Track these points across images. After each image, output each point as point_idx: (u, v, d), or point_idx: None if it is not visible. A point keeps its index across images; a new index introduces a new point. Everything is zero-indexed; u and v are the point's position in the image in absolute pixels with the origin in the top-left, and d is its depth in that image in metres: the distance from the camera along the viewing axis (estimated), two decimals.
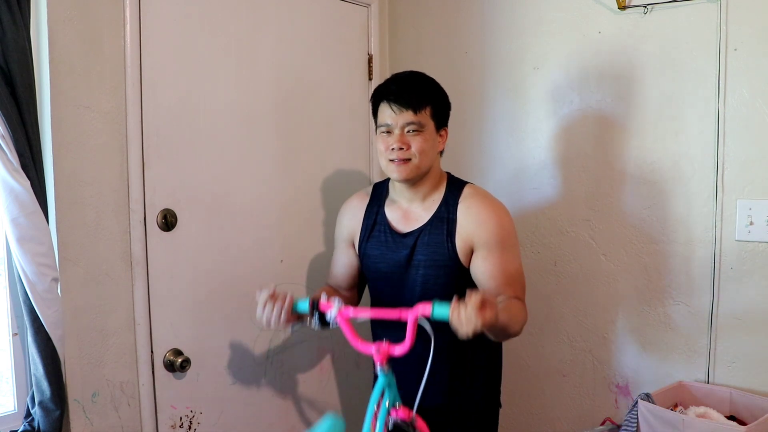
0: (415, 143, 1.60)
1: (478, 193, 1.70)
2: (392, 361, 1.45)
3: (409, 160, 1.60)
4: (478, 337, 1.66)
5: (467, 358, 1.71)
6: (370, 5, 2.41)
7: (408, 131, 1.60)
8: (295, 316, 1.57)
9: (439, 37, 2.38)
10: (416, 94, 1.61)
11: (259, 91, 2.05)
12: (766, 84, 1.72)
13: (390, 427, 1.44)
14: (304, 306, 1.53)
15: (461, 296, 1.64)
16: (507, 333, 1.54)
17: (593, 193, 2.05)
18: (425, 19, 2.41)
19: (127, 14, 1.72)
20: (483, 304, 1.31)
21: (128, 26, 1.72)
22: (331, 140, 2.29)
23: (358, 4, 2.38)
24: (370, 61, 2.42)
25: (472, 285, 1.66)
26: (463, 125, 2.28)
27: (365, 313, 1.50)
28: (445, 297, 1.63)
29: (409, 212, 1.71)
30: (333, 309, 1.48)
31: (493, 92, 2.25)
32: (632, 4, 1.92)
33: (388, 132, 1.62)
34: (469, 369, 1.73)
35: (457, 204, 1.66)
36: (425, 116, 1.61)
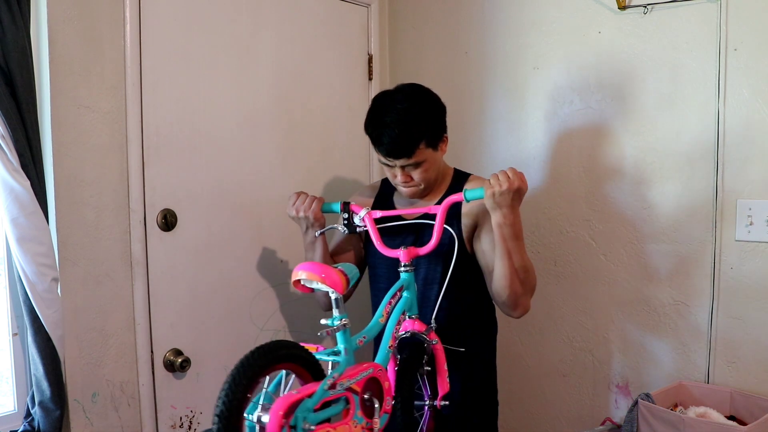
0: (417, 175, 1.66)
1: (481, 177, 1.78)
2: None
3: (416, 185, 1.68)
4: (472, 321, 1.72)
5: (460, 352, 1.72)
6: (370, 5, 2.41)
7: (407, 168, 1.65)
8: (323, 219, 1.73)
9: (439, 37, 2.38)
10: (406, 142, 1.59)
11: (259, 91, 2.05)
12: (766, 84, 1.72)
13: (406, 335, 1.49)
14: (336, 206, 1.69)
15: (462, 285, 1.69)
16: (527, 277, 1.62)
17: (593, 193, 2.05)
18: (425, 19, 2.41)
19: (127, 14, 1.72)
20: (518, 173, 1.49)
21: (128, 26, 1.72)
22: (331, 140, 2.29)
23: (358, 4, 2.38)
24: (370, 61, 2.42)
25: (476, 275, 1.69)
26: (463, 125, 2.28)
27: (393, 212, 1.66)
28: (448, 282, 1.65)
29: (416, 203, 1.76)
30: (362, 212, 1.63)
31: (493, 92, 2.25)
32: (632, 4, 1.92)
33: (391, 166, 1.67)
34: (464, 359, 1.72)
35: (462, 188, 1.68)
36: (421, 151, 1.62)
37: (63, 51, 1.60)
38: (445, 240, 1.64)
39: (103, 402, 1.72)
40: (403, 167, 1.64)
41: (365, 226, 1.63)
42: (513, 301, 1.63)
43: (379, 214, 1.64)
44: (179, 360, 1.84)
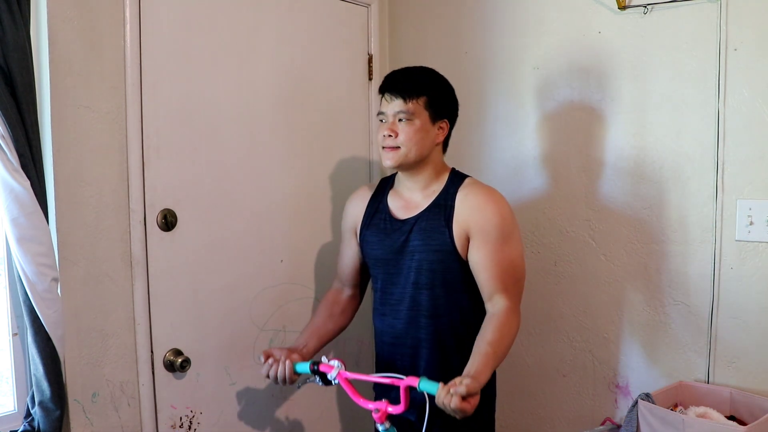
0: (404, 132, 1.63)
1: (478, 184, 1.73)
2: (391, 418, 1.51)
3: (398, 148, 1.65)
4: (470, 327, 1.68)
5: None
6: (370, 5, 2.41)
7: (399, 119, 1.64)
8: (297, 377, 1.66)
9: (439, 37, 2.38)
10: (409, 83, 1.64)
11: (259, 91, 2.05)
12: (766, 84, 1.72)
13: None
14: (304, 368, 1.63)
15: (458, 290, 1.67)
16: (510, 345, 1.61)
17: (593, 193, 2.05)
18: (425, 19, 2.41)
19: (127, 14, 1.72)
20: (466, 398, 1.35)
21: (128, 26, 1.72)
22: (331, 140, 2.29)
23: (358, 4, 2.38)
24: (370, 61, 2.42)
25: (469, 278, 1.67)
26: (463, 125, 2.26)
27: (363, 377, 1.57)
28: (438, 285, 1.66)
29: (410, 201, 1.74)
30: (333, 372, 1.57)
31: (493, 92, 2.25)
32: (632, 4, 1.92)
33: (384, 121, 1.67)
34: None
35: (456, 193, 1.68)
36: (418, 105, 1.63)
37: (63, 51, 1.60)
38: (437, 244, 1.64)
39: (103, 402, 1.72)
40: (395, 117, 1.63)
41: (338, 382, 1.58)
42: None
43: (349, 375, 1.56)
44: (179, 360, 1.84)
